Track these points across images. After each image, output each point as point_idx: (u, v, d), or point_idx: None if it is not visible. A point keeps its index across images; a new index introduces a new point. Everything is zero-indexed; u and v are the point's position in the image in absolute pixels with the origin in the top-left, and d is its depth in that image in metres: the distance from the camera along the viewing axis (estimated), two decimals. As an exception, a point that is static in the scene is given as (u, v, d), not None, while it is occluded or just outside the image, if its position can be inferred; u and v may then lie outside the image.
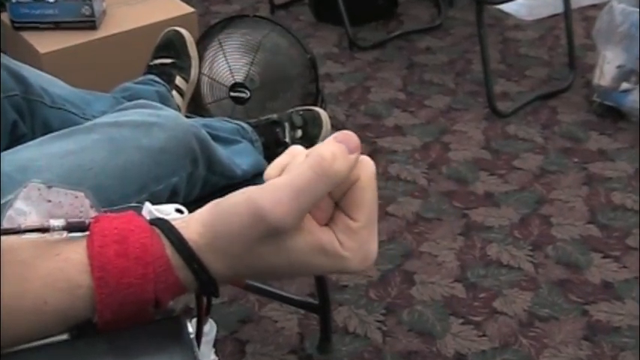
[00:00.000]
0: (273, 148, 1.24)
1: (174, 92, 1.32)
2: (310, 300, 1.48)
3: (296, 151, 0.46)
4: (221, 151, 1.07)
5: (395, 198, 1.85)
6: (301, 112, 1.29)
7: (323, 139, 1.28)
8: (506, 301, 1.55)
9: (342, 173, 0.44)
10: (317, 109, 1.32)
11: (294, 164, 0.45)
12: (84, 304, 0.44)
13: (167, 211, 0.49)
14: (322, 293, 1.40)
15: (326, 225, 0.46)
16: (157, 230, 0.46)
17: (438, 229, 1.75)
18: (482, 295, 1.56)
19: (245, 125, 1.24)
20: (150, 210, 0.49)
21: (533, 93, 2.30)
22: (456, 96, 2.33)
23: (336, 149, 0.44)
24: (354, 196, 0.46)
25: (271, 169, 0.46)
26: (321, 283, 1.40)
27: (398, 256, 1.67)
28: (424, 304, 1.55)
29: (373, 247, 0.46)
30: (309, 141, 1.26)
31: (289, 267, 0.45)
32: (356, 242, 0.45)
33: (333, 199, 0.46)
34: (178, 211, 0.50)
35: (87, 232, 0.46)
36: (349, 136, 0.45)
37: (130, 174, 0.90)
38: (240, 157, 1.14)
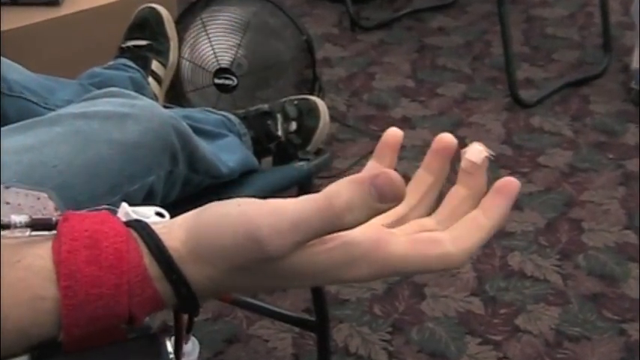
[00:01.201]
0: (263, 143, 1.24)
1: (150, 79, 1.32)
2: (306, 316, 1.48)
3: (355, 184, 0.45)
4: (204, 147, 1.07)
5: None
6: (296, 102, 1.29)
7: (320, 133, 1.29)
8: (530, 318, 1.55)
9: (354, 226, 0.44)
10: (314, 98, 1.32)
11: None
12: (48, 319, 0.44)
13: (146, 213, 0.49)
14: (320, 308, 1.40)
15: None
16: (135, 234, 0.46)
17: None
18: (502, 310, 1.57)
19: (232, 117, 1.24)
20: (127, 211, 0.49)
21: (561, 79, 2.31)
22: (473, 83, 2.34)
23: (358, 196, 0.43)
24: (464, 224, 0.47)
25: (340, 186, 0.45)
26: (318, 297, 1.40)
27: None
28: (436, 321, 1.55)
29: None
30: (304, 135, 1.26)
31: (302, 282, 0.46)
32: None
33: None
34: (159, 214, 0.50)
35: (53, 232, 0.46)
36: (391, 181, 0.43)
37: (99, 172, 0.90)
38: (226, 152, 1.14)
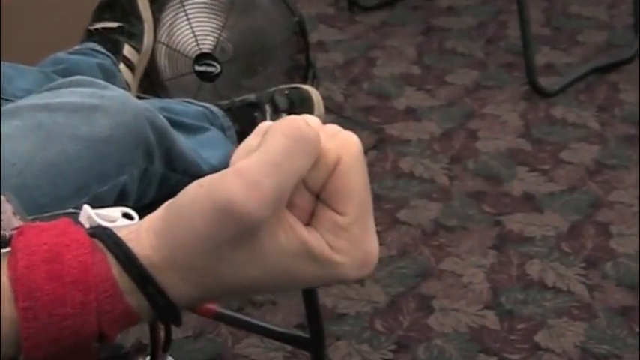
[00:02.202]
0: (250, 138, 1.24)
1: (121, 65, 1.32)
2: (299, 333, 1.48)
3: (265, 126, 0.47)
4: (183, 142, 1.07)
5: (407, 201, 1.86)
6: (286, 92, 1.29)
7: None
8: (551, 335, 1.55)
9: (318, 137, 0.45)
10: (307, 87, 1.32)
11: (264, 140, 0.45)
12: (7, 341, 0.44)
13: (112, 216, 0.49)
14: (315, 324, 1.40)
15: (308, 225, 0.47)
16: (100, 244, 0.46)
17: (462, 241, 1.75)
18: (520, 326, 1.57)
19: (214, 109, 1.24)
20: (89, 215, 0.49)
21: (586, 65, 2.31)
22: (487, 69, 2.34)
23: (306, 117, 0.46)
24: (336, 183, 0.46)
25: (238, 154, 0.46)
26: (312, 310, 1.40)
27: (412, 276, 1.68)
28: (445, 338, 1.55)
29: (371, 246, 0.47)
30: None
31: (270, 277, 0.46)
32: (348, 241, 0.46)
33: (312, 192, 0.47)
34: (127, 216, 0.50)
35: (8, 249, 0.45)
36: (309, 116, 0.47)
37: (64, 171, 0.90)
38: (208, 149, 1.14)
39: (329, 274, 0.46)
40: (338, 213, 0.46)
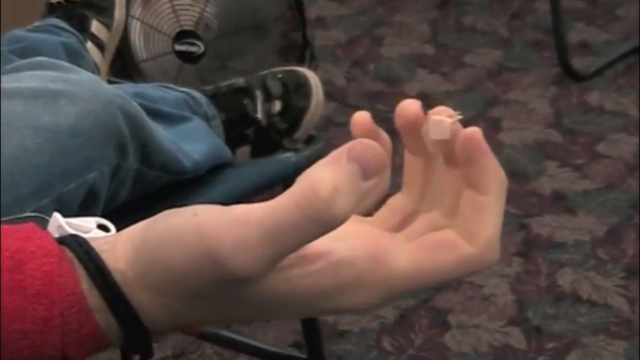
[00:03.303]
0: (238, 128, 1.24)
1: (89, 44, 1.32)
2: (295, 352, 1.48)
3: (337, 155, 0.45)
4: (161, 134, 1.07)
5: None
6: (280, 75, 1.29)
7: (312, 115, 1.29)
8: (586, 354, 1.55)
9: (344, 216, 0.43)
10: (303, 70, 1.32)
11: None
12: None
13: (85, 227, 0.49)
14: (312, 342, 1.40)
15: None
16: (69, 254, 0.46)
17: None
18: (550, 345, 1.57)
19: (197, 95, 1.24)
20: (59, 224, 0.49)
21: (626, 44, 2.31)
22: (511, 49, 2.34)
23: (341, 176, 0.43)
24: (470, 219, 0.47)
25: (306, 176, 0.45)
26: (310, 327, 1.40)
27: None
28: (463, 358, 1.55)
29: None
30: (291, 117, 1.26)
31: (255, 314, 0.47)
32: (492, 226, 0.47)
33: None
34: (102, 227, 0.50)
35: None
36: (369, 148, 0.44)
37: (23, 168, 0.90)
38: (189, 141, 1.14)
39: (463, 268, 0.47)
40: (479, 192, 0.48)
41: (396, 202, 0.53)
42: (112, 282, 0.45)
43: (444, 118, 0.49)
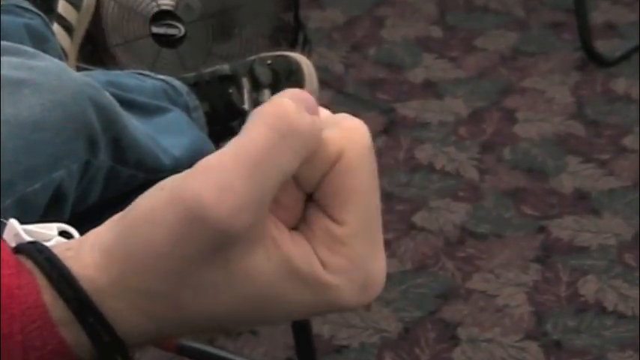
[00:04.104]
0: (223, 120, 1.24)
1: (55, 26, 1.32)
2: (287, 371, 1.48)
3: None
4: (137, 127, 1.07)
5: (426, 202, 1.86)
6: (270, 62, 1.29)
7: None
8: (611, 372, 1.56)
9: (314, 130, 0.45)
10: (296, 55, 1.32)
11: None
12: None
13: (46, 234, 0.49)
14: (306, 359, 1.40)
15: (295, 230, 0.47)
16: (29, 263, 0.46)
17: (496, 250, 1.76)
18: (572, 361, 1.58)
19: (177, 83, 1.24)
20: (16, 232, 0.49)
21: (655, 25, 2.32)
22: (528, 31, 2.34)
23: (294, 98, 0.45)
24: (335, 183, 0.46)
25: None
26: (304, 342, 1.40)
27: (431, 297, 1.68)
28: (476, 377, 1.56)
29: (377, 265, 0.47)
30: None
31: (246, 306, 0.46)
32: (346, 258, 0.46)
33: (304, 190, 0.47)
34: (64, 234, 0.50)
35: None
36: (302, 93, 0.46)
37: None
38: (168, 135, 1.14)
39: (321, 301, 0.46)
40: (335, 221, 0.46)
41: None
42: (78, 290, 0.45)
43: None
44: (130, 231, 0.46)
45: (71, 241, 0.48)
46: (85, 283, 0.46)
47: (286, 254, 0.45)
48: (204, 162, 0.44)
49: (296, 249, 0.46)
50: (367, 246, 0.47)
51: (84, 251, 0.47)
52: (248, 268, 0.45)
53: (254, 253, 0.45)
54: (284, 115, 0.44)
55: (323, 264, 0.46)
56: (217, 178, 0.43)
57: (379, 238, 0.47)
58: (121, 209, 0.47)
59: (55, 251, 0.46)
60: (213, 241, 0.44)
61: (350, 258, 0.46)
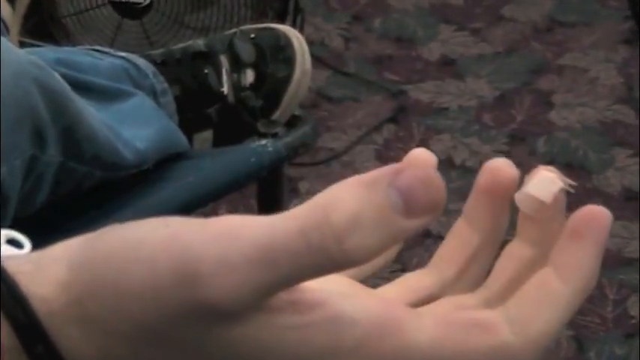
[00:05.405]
0: (197, 107, 1.25)
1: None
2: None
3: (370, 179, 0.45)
4: (93, 115, 1.07)
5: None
6: (253, 35, 1.29)
7: (296, 89, 1.29)
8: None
9: (360, 256, 0.43)
10: (284, 27, 1.32)
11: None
12: None
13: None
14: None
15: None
16: None
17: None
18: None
19: (141, 62, 1.24)
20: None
21: None
22: (566, -3, 2.34)
23: (370, 204, 0.43)
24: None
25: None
26: None
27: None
28: None
29: None
30: (268, 92, 1.27)
31: None
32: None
33: None
34: (12, 242, 0.50)
35: None
36: (425, 178, 0.43)
37: None
38: (131, 125, 1.15)
39: None
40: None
41: (414, 279, 0.54)
42: (30, 313, 0.46)
43: (555, 175, 0.50)
44: (107, 255, 0.45)
45: (32, 254, 0.48)
46: (38, 304, 0.46)
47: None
48: (223, 227, 0.44)
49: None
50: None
51: (46, 266, 0.47)
52: (235, 339, 0.45)
53: (243, 328, 0.45)
54: (324, 228, 0.43)
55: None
56: (226, 253, 0.43)
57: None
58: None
59: (6, 264, 0.47)
60: (195, 311, 0.44)
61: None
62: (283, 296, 0.44)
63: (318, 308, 0.45)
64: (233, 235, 0.44)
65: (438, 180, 0.43)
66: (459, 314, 0.48)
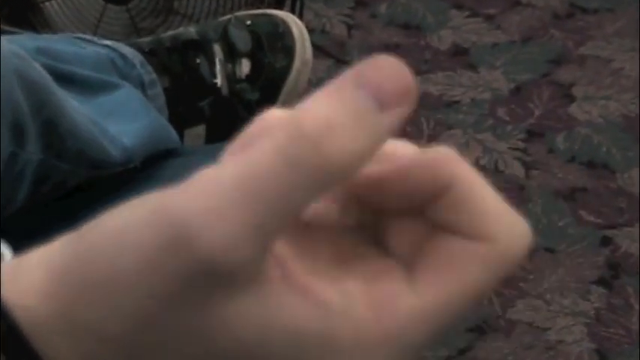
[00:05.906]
0: (187, 99, 1.25)
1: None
2: None
3: (272, 118, 0.47)
4: (76, 109, 1.07)
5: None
6: (249, 22, 1.30)
7: (295, 80, 1.29)
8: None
9: (344, 160, 0.44)
10: (283, 13, 1.32)
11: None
12: None
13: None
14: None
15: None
16: None
17: (548, 268, 1.76)
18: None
19: (128, 51, 1.24)
20: None
21: None
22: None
23: (341, 107, 0.44)
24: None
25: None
26: None
27: (464, 334, 1.70)
28: None
29: None
30: (265, 85, 1.27)
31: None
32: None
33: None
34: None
35: None
36: (387, 66, 0.45)
37: None
38: (117, 119, 1.15)
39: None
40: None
41: None
42: (10, 323, 0.46)
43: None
44: (90, 253, 0.45)
45: (12, 260, 0.48)
46: (19, 312, 0.46)
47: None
48: (199, 176, 0.44)
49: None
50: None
51: (24, 273, 0.47)
52: (234, 315, 0.45)
53: (244, 298, 0.45)
54: (298, 140, 0.44)
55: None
56: (212, 201, 0.43)
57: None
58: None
59: None
60: (195, 275, 0.44)
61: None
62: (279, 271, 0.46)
63: (304, 293, 0.46)
64: (212, 183, 0.44)
65: (401, 66, 0.44)
66: (434, 257, 0.48)
